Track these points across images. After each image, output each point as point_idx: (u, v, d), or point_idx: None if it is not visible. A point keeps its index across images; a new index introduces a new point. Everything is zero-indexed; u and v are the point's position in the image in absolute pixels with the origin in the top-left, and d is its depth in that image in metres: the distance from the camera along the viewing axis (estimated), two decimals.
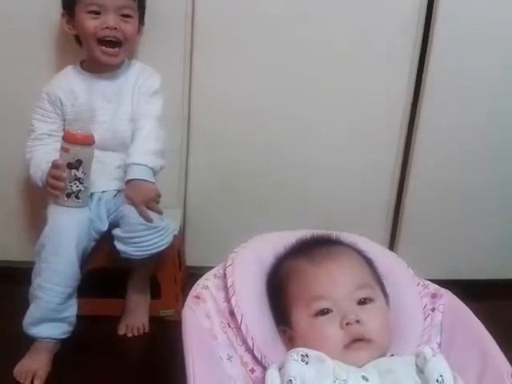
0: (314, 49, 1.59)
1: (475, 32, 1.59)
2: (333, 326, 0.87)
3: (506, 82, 1.66)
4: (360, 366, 0.85)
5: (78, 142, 1.31)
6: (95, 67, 1.47)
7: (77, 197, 1.34)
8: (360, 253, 1.00)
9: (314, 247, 0.97)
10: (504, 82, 1.65)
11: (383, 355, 0.88)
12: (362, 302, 0.90)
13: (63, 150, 1.32)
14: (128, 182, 1.39)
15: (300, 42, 1.58)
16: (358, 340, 0.86)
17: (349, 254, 0.97)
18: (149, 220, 1.36)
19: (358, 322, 0.86)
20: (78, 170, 1.32)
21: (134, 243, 1.38)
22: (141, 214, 1.36)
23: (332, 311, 0.88)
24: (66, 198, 1.34)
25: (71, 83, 1.46)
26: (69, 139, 1.32)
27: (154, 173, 1.41)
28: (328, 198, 1.72)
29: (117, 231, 1.40)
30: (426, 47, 1.61)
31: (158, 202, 1.39)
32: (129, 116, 1.46)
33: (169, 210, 1.58)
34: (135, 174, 1.38)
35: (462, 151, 1.71)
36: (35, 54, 1.54)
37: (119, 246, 1.39)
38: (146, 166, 1.39)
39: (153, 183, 1.40)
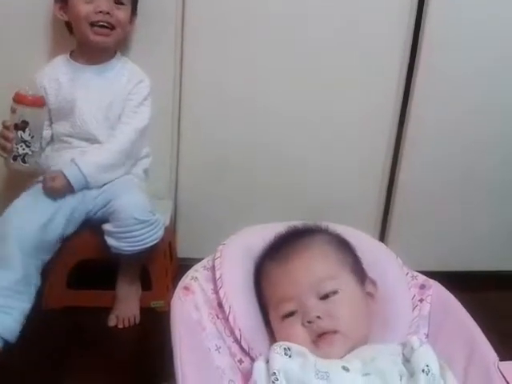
0: (306, 41, 1.59)
1: (466, 24, 1.60)
2: (297, 325, 0.88)
3: (499, 74, 1.66)
4: (341, 357, 0.85)
5: (24, 102, 1.29)
6: (84, 56, 1.47)
7: (23, 160, 1.33)
8: (334, 238, 0.97)
9: (280, 245, 0.96)
10: (497, 73, 1.66)
11: (360, 344, 0.88)
12: (326, 295, 0.89)
13: (11, 110, 1.30)
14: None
15: (292, 33, 1.58)
16: (324, 334, 0.86)
17: (313, 247, 0.94)
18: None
19: (318, 317, 0.87)
20: (24, 131, 1.30)
21: (126, 238, 1.37)
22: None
23: (297, 311, 0.89)
24: (12, 161, 1.33)
25: (58, 72, 1.46)
26: (16, 99, 1.30)
27: (89, 183, 1.39)
28: (318, 189, 1.72)
29: (107, 226, 1.39)
30: (417, 46, 1.61)
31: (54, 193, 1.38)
32: (109, 114, 1.45)
33: (160, 201, 1.59)
34: (67, 170, 1.38)
35: (452, 144, 1.72)
36: (29, 42, 1.52)
37: (110, 241, 1.39)
38: (83, 174, 1.38)
39: (72, 187, 1.38)
